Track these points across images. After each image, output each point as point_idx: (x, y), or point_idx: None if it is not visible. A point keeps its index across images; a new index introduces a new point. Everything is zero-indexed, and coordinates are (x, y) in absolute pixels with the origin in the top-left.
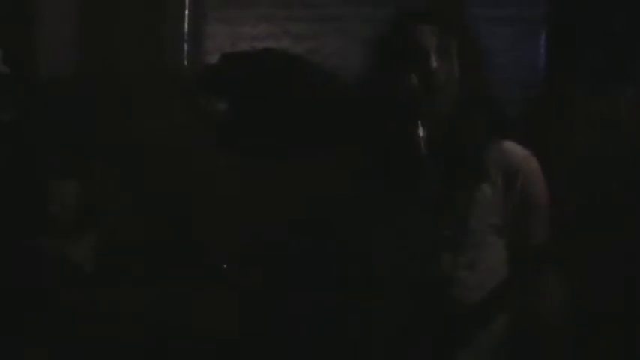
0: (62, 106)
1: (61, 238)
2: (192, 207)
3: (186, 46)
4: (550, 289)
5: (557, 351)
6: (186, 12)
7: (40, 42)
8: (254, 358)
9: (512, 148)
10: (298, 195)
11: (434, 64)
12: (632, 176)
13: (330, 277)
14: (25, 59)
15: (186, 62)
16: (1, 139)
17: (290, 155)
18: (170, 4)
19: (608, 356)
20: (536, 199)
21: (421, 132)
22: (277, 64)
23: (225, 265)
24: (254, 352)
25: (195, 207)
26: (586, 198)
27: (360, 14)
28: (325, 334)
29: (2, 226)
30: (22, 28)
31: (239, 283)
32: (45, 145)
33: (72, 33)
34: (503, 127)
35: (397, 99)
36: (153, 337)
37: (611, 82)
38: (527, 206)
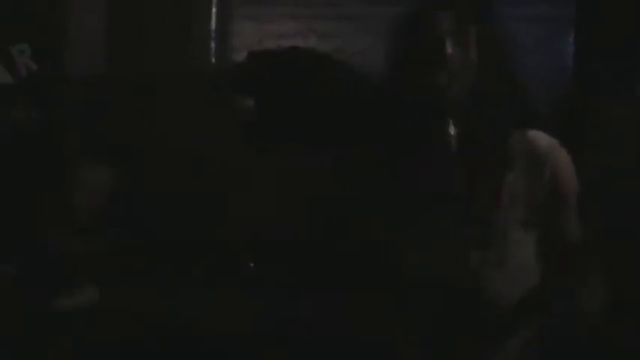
0: (90, 104)
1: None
2: (217, 205)
3: (213, 44)
4: (588, 287)
5: (595, 353)
6: (214, 10)
7: (68, 39)
8: (278, 358)
9: (539, 136)
10: (324, 194)
11: (449, 50)
12: None
13: (356, 277)
14: (53, 56)
15: (213, 60)
16: (30, 137)
17: (316, 154)
18: (197, 2)
19: None
20: (566, 190)
21: (450, 130)
22: (304, 63)
23: (251, 265)
24: (278, 351)
25: (221, 205)
26: (614, 200)
27: (385, 13)
28: (353, 335)
29: (26, 223)
30: (50, 25)
31: (264, 282)
32: (72, 144)
33: (100, 30)
34: (529, 116)
35: (421, 96)
36: (177, 337)
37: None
38: (557, 198)
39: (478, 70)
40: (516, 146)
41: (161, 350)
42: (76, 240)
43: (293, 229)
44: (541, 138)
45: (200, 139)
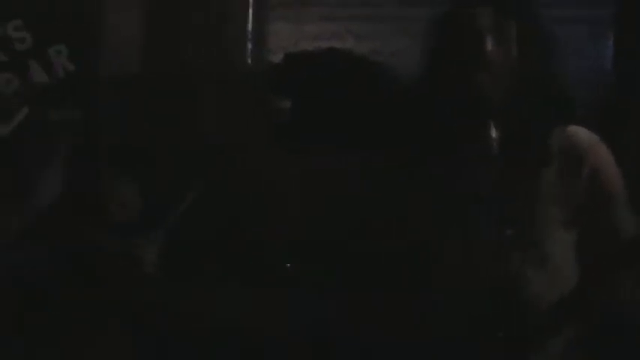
0: (125, 105)
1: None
2: (254, 206)
3: (249, 45)
4: (633, 287)
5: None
6: (250, 11)
7: (104, 40)
8: (314, 357)
9: (579, 132)
10: (360, 195)
11: (488, 47)
12: None
13: (393, 278)
14: (89, 57)
15: (250, 61)
16: (65, 137)
17: (352, 155)
18: (234, 3)
19: None
20: (608, 186)
21: (489, 129)
22: (341, 64)
23: (288, 265)
24: (315, 351)
25: (257, 206)
26: None
27: (422, 13)
28: (389, 336)
29: (64, 226)
30: (86, 26)
31: (301, 283)
32: (107, 144)
33: (135, 30)
34: (569, 112)
35: (460, 96)
36: (216, 338)
37: None
38: (599, 195)
39: (518, 68)
40: (556, 143)
41: (200, 351)
42: (115, 240)
43: (327, 230)
44: (581, 133)
45: (235, 140)
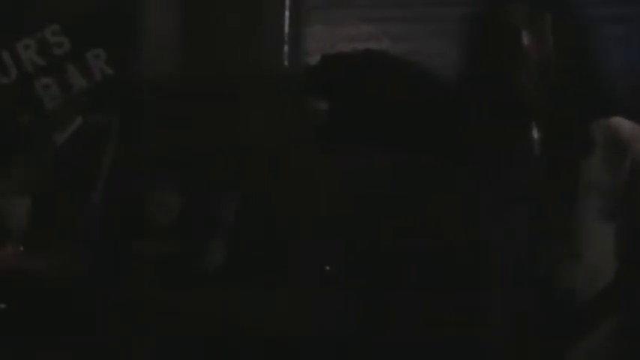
0: (165, 108)
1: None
2: (293, 208)
3: (286, 47)
4: None
5: None
6: (287, 13)
7: (142, 43)
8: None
9: (621, 123)
10: (401, 194)
11: (525, 43)
12: None
13: (434, 275)
14: (127, 60)
15: (287, 63)
16: (105, 142)
17: (390, 156)
18: (270, 5)
19: None
20: None
21: (529, 125)
22: (377, 65)
23: (327, 267)
24: (356, 353)
25: (296, 208)
26: None
27: (458, 14)
28: (431, 333)
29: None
30: (124, 30)
31: (340, 285)
32: (146, 148)
33: (173, 33)
34: (610, 104)
35: (497, 94)
36: (255, 338)
37: None
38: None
39: (556, 63)
40: (597, 135)
41: (235, 351)
42: (156, 244)
43: (367, 230)
44: (623, 125)
45: (273, 142)
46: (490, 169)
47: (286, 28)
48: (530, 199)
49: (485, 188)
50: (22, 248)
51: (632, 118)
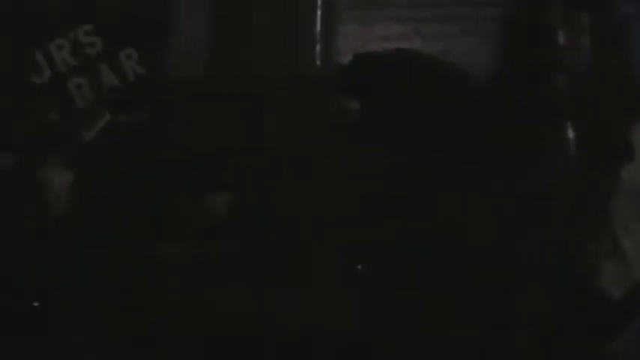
0: (195, 108)
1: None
2: (323, 207)
3: (318, 47)
4: None
5: None
6: (319, 12)
7: (173, 43)
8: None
9: None
10: (432, 195)
11: (561, 43)
12: None
13: (464, 275)
14: (159, 60)
15: (318, 62)
16: (138, 142)
17: (423, 156)
18: (302, 5)
19: None
20: None
21: (565, 124)
22: (410, 65)
23: (359, 267)
24: (386, 352)
25: (329, 208)
26: None
27: (490, 13)
28: (462, 333)
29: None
30: (156, 30)
31: (372, 283)
32: (179, 147)
33: (205, 33)
34: None
35: (532, 93)
36: (287, 338)
37: None
38: None
39: (593, 61)
40: (637, 136)
41: (266, 351)
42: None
43: (399, 230)
44: None
45: (304, 141)
46: (525, 169)
47: (318, 28)
48: (563, 200)
49: (519, 188)
50: None
51: None
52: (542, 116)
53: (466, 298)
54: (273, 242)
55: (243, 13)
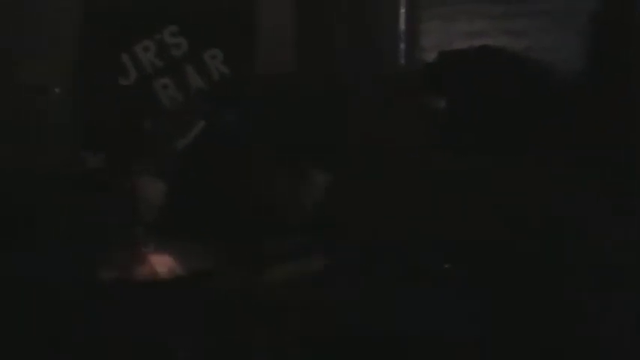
0: (280, 106)
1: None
2: (412, 207)
3: (402, 45)
4: None
5: None
6: (402, 10)
7: (257, 43)
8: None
9: None
10: (519, 194)
11: None
12: None
13: (551, 275)
14: (243, 60)
15: (403, 60)
16: (224, 141)
17: (509, 154)
18: (386, 3)
19: None
20: None
21: None
22: (495, 61)
23: (446, 266)
24: (467, 351)
25: (415, 207)
26: None
27: (574, 8)
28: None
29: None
30: (240, 30)
31: (459, 283)
32: (266, 145)
33: (289, 33)
34: None
35: (622, 89)
36: (363, 338)
37: None
38: None
39: None
40: None
41: (351, 350)
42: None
43: (487, 230)
44: None
45: (390, 139)
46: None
47: (402, 25)
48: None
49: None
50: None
51: None
52: (629, 113)
53: (558, 296)
54: (358, 239)
55: (327, 11)
